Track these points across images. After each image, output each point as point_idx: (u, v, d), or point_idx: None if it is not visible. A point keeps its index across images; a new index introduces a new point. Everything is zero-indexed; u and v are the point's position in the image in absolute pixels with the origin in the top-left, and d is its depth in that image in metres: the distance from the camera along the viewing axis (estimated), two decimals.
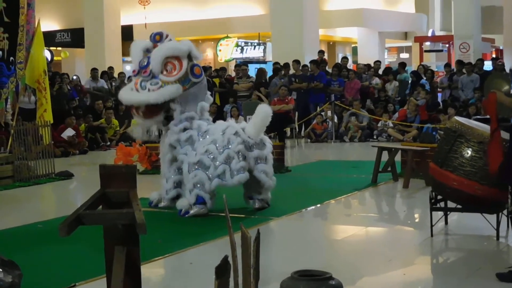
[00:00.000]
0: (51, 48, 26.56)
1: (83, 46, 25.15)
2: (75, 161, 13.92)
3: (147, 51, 8.05)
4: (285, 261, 5.87)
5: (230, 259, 3.09)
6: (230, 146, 7.61)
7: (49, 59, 22.47)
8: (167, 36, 8.20)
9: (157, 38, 8.13)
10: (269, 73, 19.09)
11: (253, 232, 3.38)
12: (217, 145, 7.65)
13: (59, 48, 28.79)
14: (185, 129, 7.83)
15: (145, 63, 7.89)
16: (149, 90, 7.73)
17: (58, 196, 10.61)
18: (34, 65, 11.55)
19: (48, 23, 25.87)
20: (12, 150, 11.04)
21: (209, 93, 8.52)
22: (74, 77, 20.10)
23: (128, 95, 7.96)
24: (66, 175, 11.41)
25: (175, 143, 7.83)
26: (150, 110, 7.80)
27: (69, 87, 17.61)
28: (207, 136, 7.79)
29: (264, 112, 7.98)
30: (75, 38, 27.15)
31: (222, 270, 3.06)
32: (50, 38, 25.27)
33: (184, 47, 7.99)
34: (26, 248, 6.47)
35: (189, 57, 7.99)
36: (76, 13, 26.38)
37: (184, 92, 7.84)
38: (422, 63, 21.69)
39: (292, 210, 8.05)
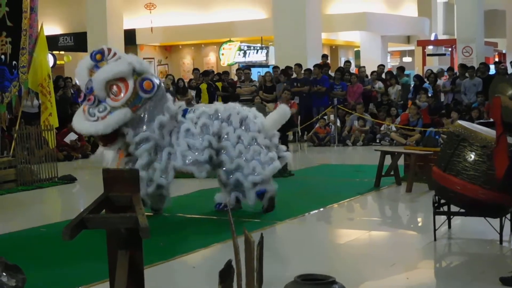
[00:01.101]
0: (54, 52, 26.59)
1: (86, 50, 25.17)
2: (78, 165, 13.93)
3: (91, 71, 7.62)
4: (288, 265, 5.87)
5: (233, 263, 3.08)
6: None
7: (52, 63, 22.45)
8: (111, 53, 7.67)
9: (98, 57, 7.63)
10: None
11: (256, 236, 3.38)
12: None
13: (62, 52, 28.83)
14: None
15: (89, 88, 7.51)
16: (97, 118, 7.42)
17: (61, 200, 10.62)
18: (37, 69, 11.57)
19: (51, 27, 25.94)
20: (15, 154, 11.05)
21: (171, 99, 8.00)
22: (77, 81, 20.12)
23: (79, 124, 7.63)
24: (69, 179, 11.42)
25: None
26: (106, 138, 7.59)
27: (72, 91, 17.63)
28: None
29: (284, 110, 8.29)
30: (78, 42, 27.19)
31: (226, 274, 3.06)
32: (53, 42, 25.29)
33: (125, 67, 7.51)
34: (29, 252, 6.48)
35: (136, 72, 7.58)
36: (79, 17, 26.43)
37: (137, 113, 7.52)
38: (428, 68, 21.67)
39: (295, 214, 8.04)
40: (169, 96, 7.98)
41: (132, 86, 7.48)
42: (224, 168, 7.75)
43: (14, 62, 11.36)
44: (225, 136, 7.78)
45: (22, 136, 11.26)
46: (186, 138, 7.67)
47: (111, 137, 7.57)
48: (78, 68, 7.74)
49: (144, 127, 7.55)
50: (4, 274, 3.97)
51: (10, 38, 11.41)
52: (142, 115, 7.56)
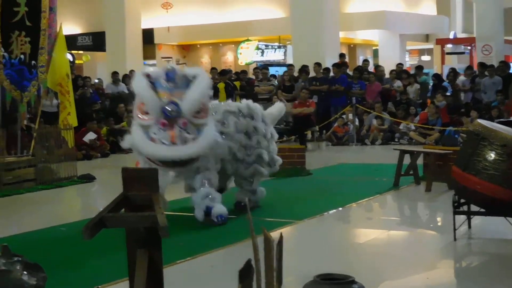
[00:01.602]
0: (73, 51, 26.74)
1: (104, 50, 25.30)
2: (97, 164, 13.99)
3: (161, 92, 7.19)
4: (307, 264, 5.85)
5: (253, 262, 3.08)
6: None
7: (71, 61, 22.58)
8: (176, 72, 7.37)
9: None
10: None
11: (276, 235, 3.37)
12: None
13: (81, 52, 28.98)
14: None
15: (174, 112, 7.05)
16: (186, 140, 7.08)
17: (80, 199, 10.67)
18: (56, 69, 11.63)
19: (69, 27, 26.07)
20: (35, 153, 11.11)
21: None
22: (96, 81, 20.22)
23: (169, 151, 7.05)
24: (88, 178, 11.46)
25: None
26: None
27: (91, 91, 17.71)
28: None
29: (280, 106, 8.99)
30: (96, 41, 27.33)
31: (245, 274, 3.05)
32: (71, 42, 25.43)
33: (207, 82, 7.40)
34: (50, 250, 6.52)
35: None
36: (98, 17, 26.55)
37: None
38: (448, 66, 21.54)
39: (314, 213, 8.02)
40: None
41: (208, 102, 7.44)
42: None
43: (33, 62, 11.44)
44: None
45: (42, 135, 11.31)
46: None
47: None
48: (143, 89, 7.18)
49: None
50: (24, 272, 3.98)
51: (29, 38, 11.49)
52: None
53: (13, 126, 12.72)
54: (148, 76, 7.24)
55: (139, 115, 7.26)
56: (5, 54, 11.54)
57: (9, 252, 4.05)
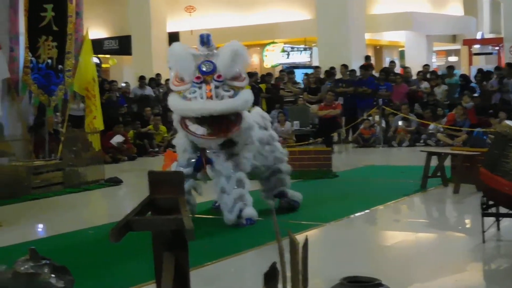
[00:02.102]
0: (99, 55, 26.92)
1: (130, 53, 25.45)
2: (124, 168, 14.06)
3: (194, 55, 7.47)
4: (333, 267, 5.83)
5: (278, 265, 3.07)
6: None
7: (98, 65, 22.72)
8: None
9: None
10: None
11: (301, 238, 3.36)
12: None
13: (107, 56, 29.17)
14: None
15: (211, 68, 7.26)
16: (223, 97, 7.18)
17: (107, 202, 10.73)
18: (83, 73, 11.72)
19: (96, 31, 26.25)
20: (62, 157, 11.19)
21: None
22: (123, 84, 20.34)
23: (205, 104, 7.10)
24: (115, 181, 11.51)
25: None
26: (219, 126, 7.23)
27: (117, 94, 17.81)
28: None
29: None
30: (122, 45, 27.49)
31: (270, 277, 3.05)
32: (98, 46, 25.59)
33: (244, 47, 7.57)
34: (77, 254, 6.55)
35: None
36: (123, 21, 26.72)
37: None
38: (475, 67, 21.38)
39: (340, 216, 7.99)
40: None
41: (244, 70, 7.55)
42: None
43: (60, 66, 11.54)
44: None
45: (69, 139, 11.39)
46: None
47: (224, 126, 7.28)
48: (177, 49, 7.44)
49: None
50: (52, 275, 4.01)
51: (56, 43, 11.60)
52: None
53: (40, 130, 12.85)
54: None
55: (175, 83, 7.47)
56: (33, 58, 11.66)
57: (37, 255, 4.08)
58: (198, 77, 7.21)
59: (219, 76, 7.19)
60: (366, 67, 18.33)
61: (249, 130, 7.57)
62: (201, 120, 7.15)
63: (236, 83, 7.33)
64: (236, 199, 7.36)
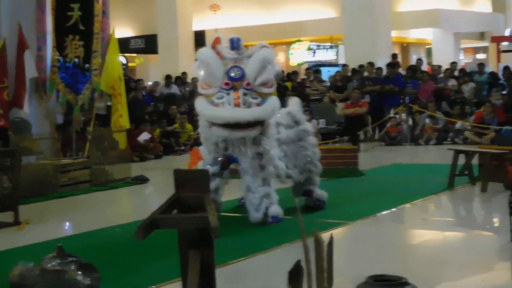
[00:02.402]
0: (126, 54, 27.05)
1: (156, 52, 25.55)
2: (150, 166, 14.11)
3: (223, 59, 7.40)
4: (360, 265, 5.81)
5: (303, 263, 3.06)
6: None
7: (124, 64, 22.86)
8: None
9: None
10: None
11: (327, 236, 3.34)
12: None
13: (134, 54, 29.31)
14: None
15: (240, 75, 7.20)
16: (250, 105, 7.13)
17: (134, 200, 10.78)
18: (109, 72, 11.79)
19: (122, 30, 26.39)
20: (89, 155, 11.26)
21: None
22: (150, 83, 20.44)
23: (234, 112, 7.05)
24: (142, 180, 11.57)
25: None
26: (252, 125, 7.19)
27: (143, 93, 17.89)
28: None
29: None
30: (149, 44, 27.59)
31: (295, 275, 3.04)
32: (124, 45, 25.72)
33: (272, 55, 7.46)
34: (104, 251, 6.59)
35: None
36: (150, 20, 26.82)
37: None
38: (505, 65, 21.13)
39: (367, 214, 7.95)
40: None
41: (273, 76, 7.47)
42: None
43: (86, 65, 11.62)
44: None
45: (96, 137, 11.46)
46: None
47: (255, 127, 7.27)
48: (209, 55, 7.36)
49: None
50: (79, 272, 4.05)
51: (83, 42, 11.68)
52: None
53: (68, 129, 12.97)
54: (213, 48, 7.40)
55: (203, 86, 7.40)
56: (60, 58, 11.76)
57: (64, 252, 4.12)
58: (227, 83, 7.15)
59: (248, 84, 7.14)
60: (393, 65, 18.24)
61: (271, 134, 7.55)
62: (227, 126, 7.12)
63: (264, 90, 7.27)
64: (262, 197, 7.36)
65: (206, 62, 7.33)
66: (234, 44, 7.41)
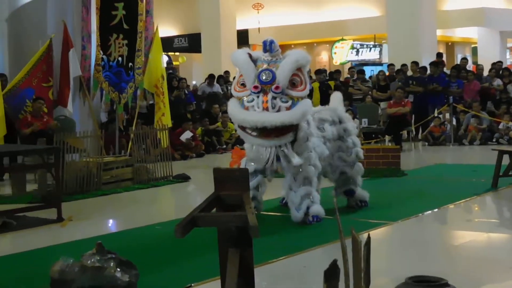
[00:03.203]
0: (169, 53, 27.24)
1: (200, 51, 25.67)
2: (192, 164, 14.17)
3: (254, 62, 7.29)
4: (400, 266, 5.75)
5: (340, 263, 3.04)
6: None
7: (167, 62, 23.00)
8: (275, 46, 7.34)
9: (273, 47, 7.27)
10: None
11: (365, 237, 3.32)
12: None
13: (177, 53, 29.48)
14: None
15: (270, 78, 7.08)
16: (279, 108, 7.00)
17: (175, 198, 10.84)
18: (152, 70, 11.87)
19: (166, 29, 26.58)
20: (132, 153, 11.36)
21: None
22: (194, 82, 20.54)
23: (263, 116, 6.97)
24: (183, 178, 11.62)
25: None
26: (281, 130, 7.08)
27: (186, 92, 17.98)
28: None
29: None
30: (192, 43, 27.75)
31: (331, 274, 3.02)
32: (168, 44, 25.93)
33: (305, 57, 7.31)
34: (143, 248, 6.63)
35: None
36: (193, 19, 26.97)
37: None
38: None
39: (409, 214, 7.88)
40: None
41: (307, 78, 7.37)
42: None
43: (130, 64, 11.71)
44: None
45: (138, 136, 11.55)
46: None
47: (286, 131, 7.14)
48: (242, 58, 7.30)
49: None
50: (118, 269, 4.08)
51: (127, 41, 11.77)
52: None
53: (111, 127, 13.09)
54: (248, 53, 7.37)
55: (236, 88, 7.37)
56: (104, 56, 11.87)
57: (104, 249, 4.16)
58: (256, 87, 7.06)
59: (277, 87, 7.01)
60: (437, 63, 18.03)
61: (307, 135, 7.42)
62: (255, 130, 7.08)
63: (295, 93, 7.11)
64: (303, 197, 7.33)
65: (239, 64, 7.30)
66: (267, 47, 7.26)
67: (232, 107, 7.30)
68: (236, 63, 7.38)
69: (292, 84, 7.13)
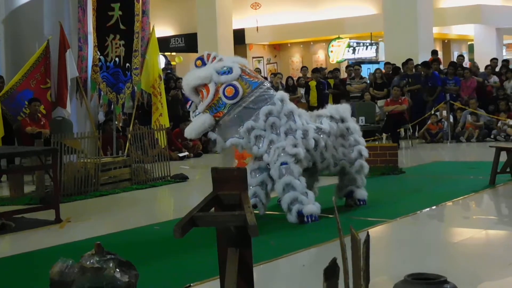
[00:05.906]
0: (166, 53, 27.20)
1: (196, 51, 25.65)
2: (190, 164, 14.18)
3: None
4: (398, 264, 5.76)
5: (339, 261, 3.05)
6: None
7: (163, 64, 22.97)
8: (210, 58, 7.62)
9: (198, 63, 7.64)
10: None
11: (364, 235, 3.32)
12: None
13: (174, 53, 29.46)
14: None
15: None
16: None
17: (173, 199, 10.84)
18: (149, 71, 11.87)
19: (162, 29, 26.57)
20: (130, 154, 11.36)
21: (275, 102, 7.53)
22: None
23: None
24: (181, 178, 11.62)
25: None
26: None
27: (183, 91, 17.95)
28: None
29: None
30: (188, 43, 27.73)
31: (331, 273, 3.03)
32: (164, 44, 25.91)
33: (204, 73, 7.46)
34: (143, 249, 6.64)
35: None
36: (190, 19, 26.95)
37: (223, 118, 7.44)
38: None
39: (407, 212, 7.89)
40: (275, 99, 7.58)
41: (213, 92, 7.40)
42: None
43: (127, 64, 11.70)
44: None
45: (136, 136, 11.55)
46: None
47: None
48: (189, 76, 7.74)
49: (231, 132, 7.51)
50: (117, 270, 4.08)
51: (124, 41, 11.75)
52: (229, 121, 7.46)
53: (108, 128, 13.08)
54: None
55: None
56: (101, 57, 11.85)
57: (103, 250, 4.15)
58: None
59: (187, 103, 7.86)
60: (428, 64, 17.99)
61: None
62: None
63: (199, 107, 7.60)
64: (289, 204, 7.36)
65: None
66: (201, 61, 7.67)
67: None
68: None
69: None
